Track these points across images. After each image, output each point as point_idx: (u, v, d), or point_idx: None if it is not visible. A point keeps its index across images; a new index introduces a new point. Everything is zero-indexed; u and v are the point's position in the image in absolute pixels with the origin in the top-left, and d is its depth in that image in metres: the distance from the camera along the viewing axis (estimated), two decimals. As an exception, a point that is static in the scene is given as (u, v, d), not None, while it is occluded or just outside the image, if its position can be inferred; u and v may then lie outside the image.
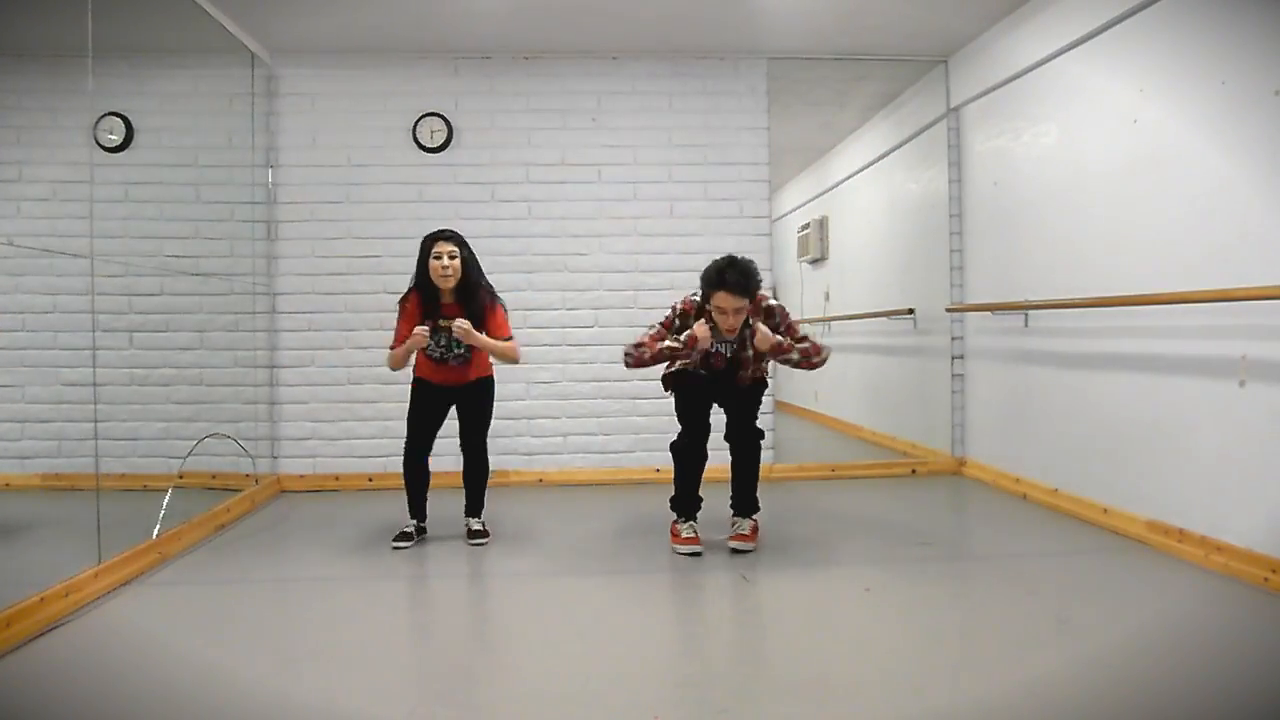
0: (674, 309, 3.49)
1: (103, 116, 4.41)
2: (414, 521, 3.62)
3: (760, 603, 2.83)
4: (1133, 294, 3.45)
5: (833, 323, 7.22)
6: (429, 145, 4.88)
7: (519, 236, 4.93)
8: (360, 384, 4.86)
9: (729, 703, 2.09)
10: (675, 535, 3.49)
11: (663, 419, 4.97)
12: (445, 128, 4.89)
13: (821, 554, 3.03)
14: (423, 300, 3.48)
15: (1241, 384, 2.97)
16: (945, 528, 4.09)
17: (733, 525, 3.53)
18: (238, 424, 4.54)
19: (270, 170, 4.85)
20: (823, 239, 7.55)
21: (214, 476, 4.34)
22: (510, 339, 3.57)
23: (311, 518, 4.18)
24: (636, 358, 3.40)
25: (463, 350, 3.49)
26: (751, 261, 3.31)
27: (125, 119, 4.50)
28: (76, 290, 3.99)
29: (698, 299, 3.43)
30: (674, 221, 4.97)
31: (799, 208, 8.40)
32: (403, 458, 3.63)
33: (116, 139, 4.49)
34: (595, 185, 4.99)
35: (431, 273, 3.41)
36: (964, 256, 5.09)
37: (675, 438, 3.56)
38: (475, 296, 3.48)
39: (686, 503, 3.53)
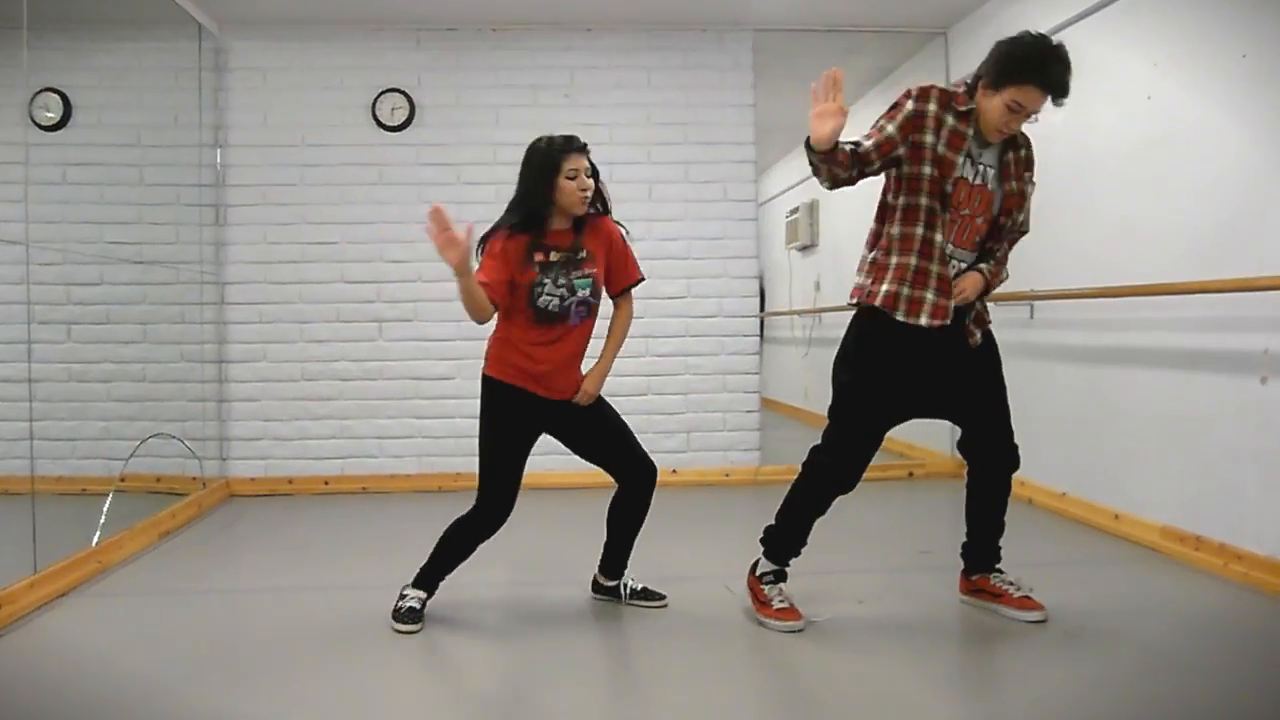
0: (904, 106, 2.42)
1: (38, 92, 4.38)
2: (422, 595, 2.73)
3: (745, 616, 2.75)
4: (1146, 283, 3.39)
5: (824, 314, 7.06)
6: (389, 124, 4.79)
7: (487, 221, 4.72)
8: (315, 380, 4.79)
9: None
10: (762, 603, 2.65)
11: (662, 418, 4.93)
12: (407, 105, 4.81)
13: (811, 563, 2.92)
14: (522, 231, 2.60)
15: (1263, 380, 2.91)
16: (945, 534, 3.99)
17: (998, 586, 2.68)
18: (184, 423, 4.51)
19: (219, 150, 4.78)
20: (813, 224, 7.42)
21: (158, 480, 4.34)
22: (636, 281, 2.78)
23: (263, 523, 4.15)
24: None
25: (588, 291, 2.60)
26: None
27: (63, 95, 4.47)
28: (10, 280, 3.93)
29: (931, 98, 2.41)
30: (653, 205, 4.88)
31: (787, 191, 8.26)
32: (474, 515, 2.64)
33: (53, 117, 4.46)
34: (569, 166, 4.86)
35: (561, 195, 2.55)
36: (960, 242, 4.96)
37: (815, 454, 2.64)
38: (598, 224, 2.65)
39: (788, 543, 2.67)
